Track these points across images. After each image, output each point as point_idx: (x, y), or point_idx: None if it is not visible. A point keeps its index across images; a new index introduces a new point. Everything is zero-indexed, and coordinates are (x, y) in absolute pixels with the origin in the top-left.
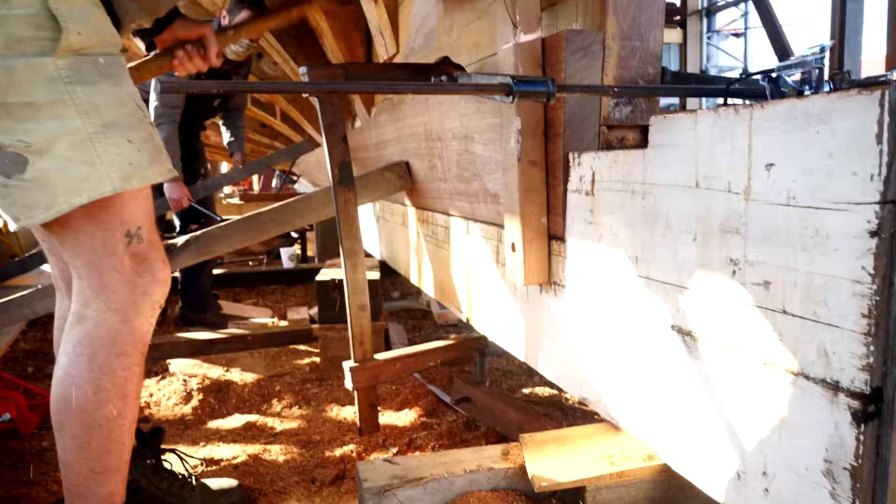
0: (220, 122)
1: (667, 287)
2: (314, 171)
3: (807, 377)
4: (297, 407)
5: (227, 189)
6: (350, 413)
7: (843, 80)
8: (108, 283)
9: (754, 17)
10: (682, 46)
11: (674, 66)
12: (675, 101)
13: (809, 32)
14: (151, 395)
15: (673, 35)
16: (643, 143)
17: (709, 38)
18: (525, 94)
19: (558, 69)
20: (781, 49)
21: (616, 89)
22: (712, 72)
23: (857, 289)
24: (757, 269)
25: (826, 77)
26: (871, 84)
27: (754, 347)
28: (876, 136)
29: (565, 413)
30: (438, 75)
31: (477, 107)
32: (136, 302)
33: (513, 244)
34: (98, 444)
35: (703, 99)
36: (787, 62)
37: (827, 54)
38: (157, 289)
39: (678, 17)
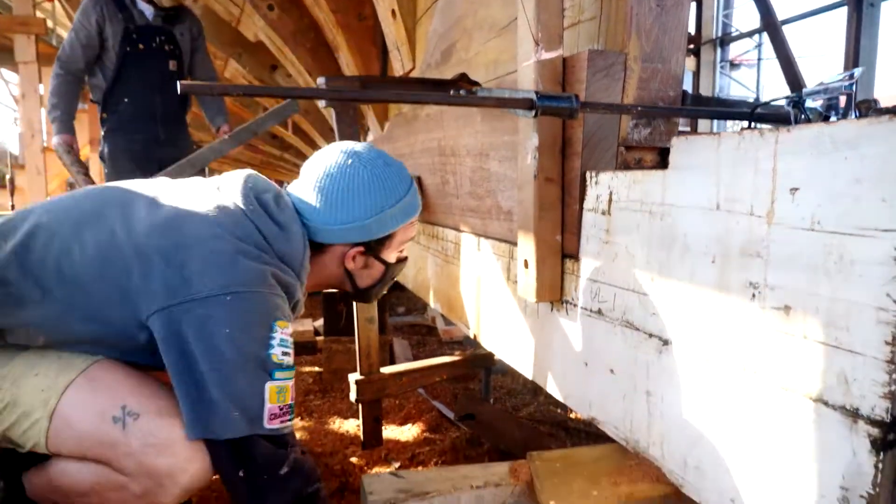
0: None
1: (685, 308)
2: None
3: (826, 403)
4: (300, 418)
5: None
6: (352, 426)
7: (871, 108)
8: (125, 469)
9: (768, 49)
10: (696, 74)
11: None
12: (686, 126)
13: (823, 66)
14: None
15: (687, 63)
16: (660, 164)
17: (722, 67)
18: (548, 110)
19: (579, 89)
20: (794, 81)
21: (640, 108)
22: None
23: (881, 316)
24: (777, 293)
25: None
26: None
27: (772, 372)
28: None
29: (569, 433)
30: (456, 91)
31: (493, 125)
32: (162, 486)
33: (525, 261)
34: None
35: (715, 123)
36: (815, 88)
37: (856, 82)
38: (183, 474)
39: (692, 45)
